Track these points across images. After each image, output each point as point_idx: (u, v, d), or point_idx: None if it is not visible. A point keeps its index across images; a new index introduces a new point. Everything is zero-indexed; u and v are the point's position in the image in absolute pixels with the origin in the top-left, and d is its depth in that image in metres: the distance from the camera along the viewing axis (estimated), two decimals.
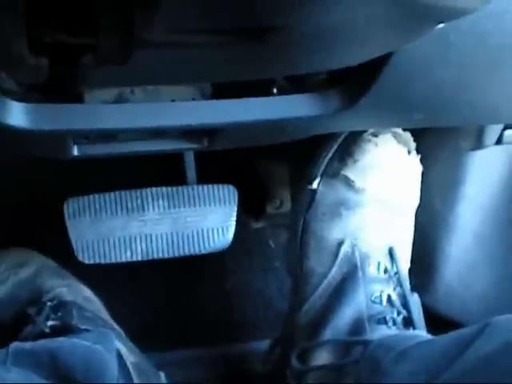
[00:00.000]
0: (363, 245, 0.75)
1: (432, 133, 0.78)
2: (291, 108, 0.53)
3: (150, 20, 0.33)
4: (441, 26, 0.38)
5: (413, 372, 0.59)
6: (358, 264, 0.74)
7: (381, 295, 0.74)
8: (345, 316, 0.73)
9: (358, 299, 0.73)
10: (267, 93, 0.55)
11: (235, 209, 0.81)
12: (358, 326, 0.72)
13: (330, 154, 0.78)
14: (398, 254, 0.76)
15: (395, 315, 0.73)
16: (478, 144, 0.72)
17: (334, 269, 0.75)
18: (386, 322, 0.72)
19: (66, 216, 0.78)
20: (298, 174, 0.84)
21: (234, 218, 0.81)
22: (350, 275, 0.74)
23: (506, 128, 0.70)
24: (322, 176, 0.78)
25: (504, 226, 0.83)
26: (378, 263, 0.75)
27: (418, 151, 0.78)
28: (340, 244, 0.75)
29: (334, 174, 0.77)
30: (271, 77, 0.52)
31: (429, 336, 0.71)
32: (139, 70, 0.41)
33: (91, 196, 0.78)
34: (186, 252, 0.80)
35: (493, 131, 0.71)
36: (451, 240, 0.82)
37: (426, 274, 0.86)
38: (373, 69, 0.51)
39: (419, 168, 0.79)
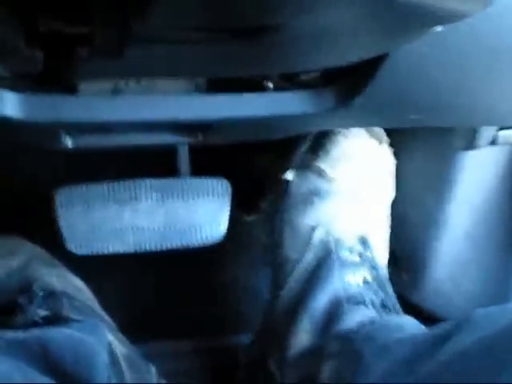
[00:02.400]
0: (336, 231, 0.77)
1: (426, 132, 0.78)
2: (286, 105, 0.53)
3: (145, 15, 0.33)
4: (439, 28, 0.38)
5: (393, 369, 0.60)
6: (332, 248, 0.75)
7: (356, 277, 0.75)
8: (321, 299, 0.74)
9: (333, 282, 0.74)
10: (262, 87, 0.55)
11: (228, 203, 0.80)
12: (335, 309, 0.73)
13: (303, 147, 0.80)
14: (372, 241, 0.77)
15: (373, 297, 0.74)
16: (473, 144, 0.72)
17: (308, 254, 0.77)
18: (363, 303, 0.73)
19: (57, 205, 0.77)
20: (276, 166, 0.85)
21: (227, 212, 0.81)
22: (325, 260, 0.75)
23: (500, 129, 0.70)
24: (295, 167, 0.80)
25: (495, 226, 0.83)
26: (352, 248, 0.76)
27: (411, 150, 0.78)
28: (313, 230, 0.77)
29: (307, 165, 0.80)
30: (265, 74, 0.52)
31: (411, 324, 0.71)
32: (134, 62, 0.41)
33: (83, 186, 0.77)
34: (178, 245, 0.79)
35: (487, 132, 0.71)
36: (442, 239, 0.82)
37: (415, 272, 0.87)
38: (369, 68, 0.51)
39: (391, 160, 0.81)
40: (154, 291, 1.01)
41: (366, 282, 0.75)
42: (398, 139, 0.83)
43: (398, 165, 0.84)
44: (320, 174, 0.79)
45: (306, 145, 0.81)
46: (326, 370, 0.69)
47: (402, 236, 0.87)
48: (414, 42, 0.45)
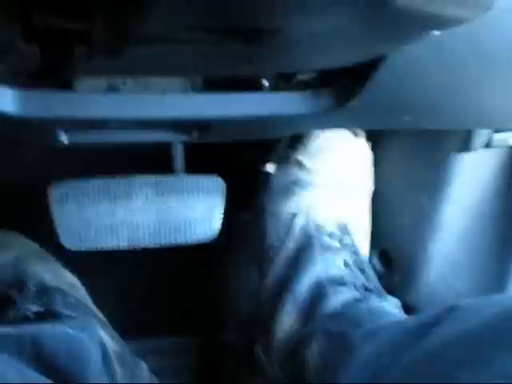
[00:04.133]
0: (316, 218, 0.79)
1: (421, 134, 0.78)
2: (282, 105, 0.53)
3: (143, 16, 0.33)
4: (437, 33, 0.38)
5: (378, 354, 0.60)
6: (313, 234, 0.78)
7: (336, 260, 0.77)
8: (304, 282, 0.75)
9: (315, 266, 0.76)
10: (259, 86, 0.55)
11: (222, 200, 0.80)
12: (318, 291, 0.74)
13: (283, 141, 0.84)
14: (351, 229, 0.80)
15: (354, 279, 0.76)
16: (467, 147, 0.72)
17: (290, 241, 0.79)
18: (345, 285, 0.74)
19: (51, 201, 0.77)
20: (260, 162, 0.88)
21: (220, 210, 0.81)
22: (306, 245, 0.77)
23: (495, 132, 0.70)
24: (276, 161, 0.84)
25: (488, 228, 0.83)
26: (332, 233, 0.78)
27: (406, 152, 0.79)
28: (294, 217, 0.79)
29: (286, 158, 0.83)
30: (262, 74, 0.52)
31: (396, 310, 0.73)
32: (131, 61, 0.41)
33: (77, 181, 0.77)
34: (172, 241, 0.79)
35: (482, 135, 0.71)
36: (435, 240, 0.83)
37: (409, 273, 0.87)
38: (365, 70, 0.51)
39: (368, 153, 0.85)
40: (147, 288, 1.01)
41: (346, 264, 0.77)
42: (394, 141, 0.84)
43: (393, 166, 0.84)
44: (299, 165, 0.82)
45: (286, 139, 0.84)
46: (312, 352, 0.71)
47: (395, 237, 0.88)
48: (411, 45, 0.45)
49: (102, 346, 0.70)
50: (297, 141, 0.82)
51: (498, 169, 0.80)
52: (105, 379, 0.66)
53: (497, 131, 0.70)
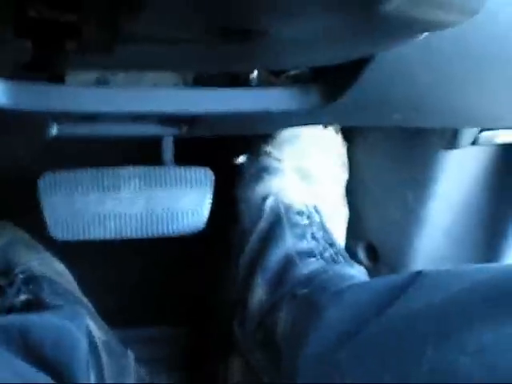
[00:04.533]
0: (285, 199, 0.82)
1: (408, 130, 0.78)
2: (271, 101, 0.53)
3: (135, 16, 0.33)
4: (425, 34, 0.39)
5: (342, 318, 0.61)
6: (282, 212, 0.81)
7: (305, 233, 0.79)
8: (274, 256, 0.78)
9: (284, 241, 0.79)
10: (248, 81, 0.55)
11: (210, 192, 0.80)
12: (287, 263, 0.77)
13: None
14: (322, 211, 0.83)
15: (322, 251, 0.78)
16: (454, 144, 0.73)
17: (262, 222, 0.82)
18: (314, 256, 0.77)
19: (40, 191, 0.77)
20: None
21: (208, 201, 0.81)
22: (276, 223, 0.81)
23: (482, 130, 0.71)
24: (246, 153, 0.87)
25: (474, 225, 0.84)
26: (301, 211, 0.81)
27: (393, 148, 0.79)
28: (264, 199, 0.83)
29: (256, 149, 0.86)
30: (252, 70, 0.52)
31: (362, 275, 0.75)
32: (122, 56, 0.41)
33: (66, 172, 0.77)
34: (159, 232, 0.79)
35: (469, 132, 0.71)
36: (421, 236, 0.83)
37: (395, 267, 0.88)
38: (355, 68, 0.51)
39: (338, 141, 0.87)
40: (135, 278, 1.01)
41: (314, 238, 0.80)
42: (381, 137, 0.84)
43: (381, 162, 0.85)
44: (268, 155, 0.85)
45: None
46: (281, 317, 0.73)
47: (382, 231, 0.88)
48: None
49: (89, 335, 0.70)
50: (266, 134, 0.86)
51: (485, 165, 0.81)
52: (91, 368, 0.67)
53: (484, 129, 0.71)
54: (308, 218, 0.81)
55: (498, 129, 0.71)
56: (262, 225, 0.82)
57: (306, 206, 0.82)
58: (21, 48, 0.39)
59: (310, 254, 0.77)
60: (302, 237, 0.79)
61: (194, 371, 0.97)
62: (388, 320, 0.55)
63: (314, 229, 0.80)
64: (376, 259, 0.89)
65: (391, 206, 0.83)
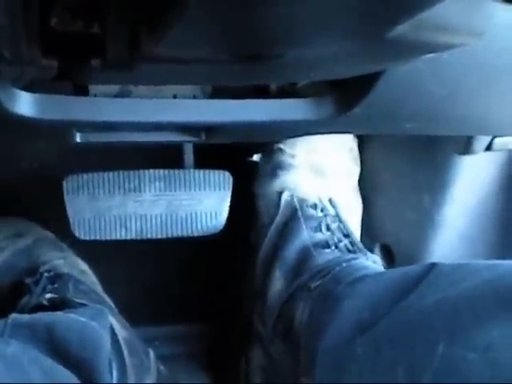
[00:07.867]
0: (299, 193, 0.85)
1: (424, 137, 0.79)
2: (287, 111, 0.55)
3: (156, 39, 0.35)
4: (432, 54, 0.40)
5: (358, 309, 0.63)
6: (297, 206, 0.83)
7: (320, 225, 0.82)
8: (291, 249, 0.81)
9: (300, 234, 0.81)
10: (265, 92, 0.57)
11: (229, 194, 0.82)
12: (304, 255, 0.79)
13: None
14: (336, 203, 0.85)
15: (337, 242, 0.80)
16: (468, 150, 0.74)
17: (278, 216, 0.85)
18: (329, 246, 0.79)
19: (65, 192, 0.79)
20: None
21: (227, 204, 0.83)
22: (292, 216, 0.83)
23: (495, 136, 0.72)
24: (261, 152, 0.90)
25: (489, 228, 0.85)
26: (315, 205, 0.84)
27: (410, 153, 0.81)
28: (280, 194, 0.86)
29: (270, 148, 0.89)
30: (268, 84, 0.54)
31: (378, 266, 0.77)
32: (143, 73, 0.43)
33: (90, 174, 0.79)
34: (179, 233, 0.81)
35: (483, 139, 0.72)
36: (437, 239, 0.84)
37: None
38: (368, 80, 0.53)
39: (349, 137, 0.89)
40: (156, 276, 1.03)
41: (329, 229, 0.82)
42: (399, 142, 0.85)
43: (398, 166, 0.86)
44: (282, 152, 0.87)
45: None
46: (298, 309, 0.75)
47: (398, 233, 0.90)
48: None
49: (113, 333, 0.72)
50: None
51: (499, 170, 0.81)
52: (114, 366, 0.69)
53: (496, 136, 0.72)
54: (322, 210, 0.83)
55: (511, 135, 0.72)
56: (279, 219, 0.84)
57: (320, 199, 0.85)
58: (48, 68, 0.41)
59: (325, 245, 0.80)
60: (317, 229, 0.81)
61: (215, 368, 0.99)
62: (402, 313, 0.56)
63: (329, 220, 0.82)
64: (392, 261, 0.90)
65: (407, 208, 0.84)
